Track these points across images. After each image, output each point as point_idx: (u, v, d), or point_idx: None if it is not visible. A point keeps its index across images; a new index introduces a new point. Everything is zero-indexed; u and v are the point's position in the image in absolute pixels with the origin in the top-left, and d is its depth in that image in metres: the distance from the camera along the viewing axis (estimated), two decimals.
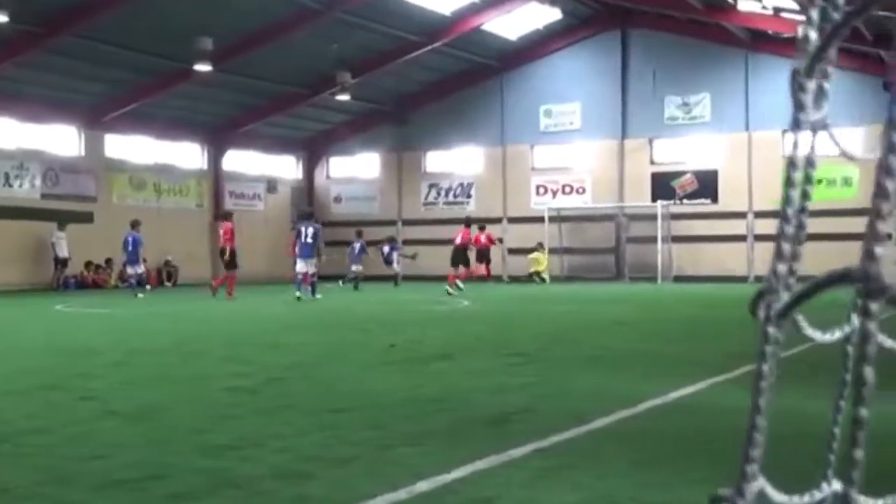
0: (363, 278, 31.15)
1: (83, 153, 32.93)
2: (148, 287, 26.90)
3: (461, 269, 28.09)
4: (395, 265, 33.61)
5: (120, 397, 7.51)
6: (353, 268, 31.36)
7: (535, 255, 35.37)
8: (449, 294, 25.25)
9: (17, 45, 26.57)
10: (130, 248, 26.15)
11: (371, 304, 21.50)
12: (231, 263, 24.27)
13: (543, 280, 34.81)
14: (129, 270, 26.73)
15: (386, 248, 33.70)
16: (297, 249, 24.02)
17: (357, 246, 31.79)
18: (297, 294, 22.99)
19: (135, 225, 26.44)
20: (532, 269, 35.02)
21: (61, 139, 32.39)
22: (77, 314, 19.44)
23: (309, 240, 23.72)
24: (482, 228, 33.67)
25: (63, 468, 4.97)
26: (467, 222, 30.12)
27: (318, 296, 23.43)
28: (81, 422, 6.40)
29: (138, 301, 23.30)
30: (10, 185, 30.54)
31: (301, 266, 23.72)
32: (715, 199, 34.97)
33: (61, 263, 30.73)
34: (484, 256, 33.50)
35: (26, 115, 30.76)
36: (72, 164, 32.50)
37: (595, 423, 6.13)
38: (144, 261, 28.95)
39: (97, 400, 7.33)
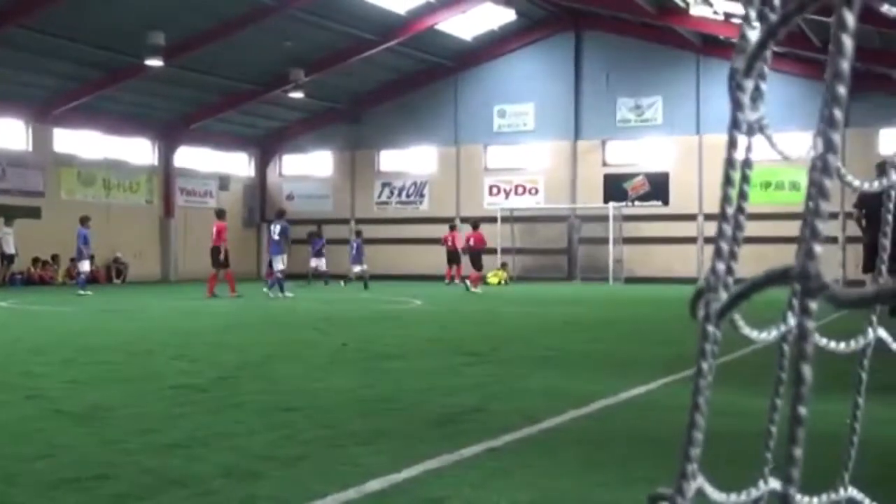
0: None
1: (31, 148, 32.45)
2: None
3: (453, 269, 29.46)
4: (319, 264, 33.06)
5: (67, 396, 7.42)
6: (356, 269, 30.73)
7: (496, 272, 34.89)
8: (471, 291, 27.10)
9: None
10: (81, 244, 25.73)
11: (322, 304, 21.41)
12: (226, 262, 24.09)
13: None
14: (80, 267, 26.26)
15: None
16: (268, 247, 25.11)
17: (355, 244, 31.37)
18: (265, 290, 23.80)
19: (84, 221, 25.87)
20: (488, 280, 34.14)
21: (8, 133, 31.88)
22: (23, 311, 19.14)
23: (276, 237, 24.07)
24: (453, 228, 33.73)
25: (7, 468, 4.90)
26: (475, 225, 30.69)
27: (289, 294, 23.57)
28: (27, 421, 6.31)
29: (85, 299, 22.99)
30: None
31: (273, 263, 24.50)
32: (666, 202, 35.29)
33: (8, 259, 30.25)
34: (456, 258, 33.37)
35: None
36: (19, 159, 32.00)
37: (547, 423, 6.16)
38: (92, 258, 28.61)
39: (43, 398, 7.23)
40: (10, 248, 30.12)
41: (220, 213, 25.61)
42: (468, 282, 28.28)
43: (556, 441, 5.75)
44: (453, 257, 32.65)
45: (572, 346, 11.87)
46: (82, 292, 24.51)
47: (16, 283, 30.02)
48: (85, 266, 26.15)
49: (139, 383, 8.23)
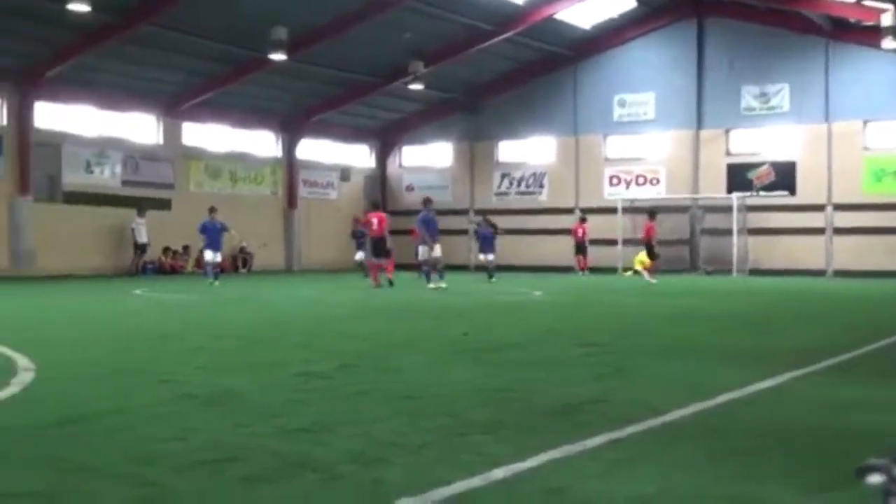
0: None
1: (161, 141, 33.53)
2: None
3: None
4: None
5: (197, 381, 7.65)
6: (481, 257, 30.71)
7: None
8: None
9: (98, 35, 27.14)
10: (210, 234, 25.82)
11: (443, 294, 21.52)
12: (388, 251, 24.32)
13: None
14: (209, 257, 26.06)
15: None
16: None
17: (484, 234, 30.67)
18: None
19: (212, 211, 26.32)
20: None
21: (141, 127, 33.01)
22: (155, 299, 19.80)
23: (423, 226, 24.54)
24: (584, 220, 35.17)
25: (144, 449, 5.08)
26: (651, 214, 29.38)
27: (442, 284, 23.29)
28: (161, 404, 6.53)
29: (213, 287, 23.58)
30: (92, 173, 31.25)
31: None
32: (793, 191, 34.31)
33: (140, 249, 31.37)
34: (583, 249, 34.77)
35: (107, 104, 31.44)
36: (151, 152, 33.12)
37: (671, 415, 6.06)
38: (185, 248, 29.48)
39: (175, 383, 7.47)
40: (142, 238, 31.22)
41: (376, 205, 26.18)
42: (644, 272, 28.29)
43: (681, 433, 5.66)
44: (581, 248, 34.36)
45: (696, 338, 11.66)
46: (214, 282, 24.64)
47: (147, 272, 31.11)
48: (218, 257, 26.18)
49: (265, 370, 8.43)
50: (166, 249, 32.77)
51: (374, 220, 24.30)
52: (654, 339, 11.46)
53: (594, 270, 34.88)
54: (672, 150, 36.51)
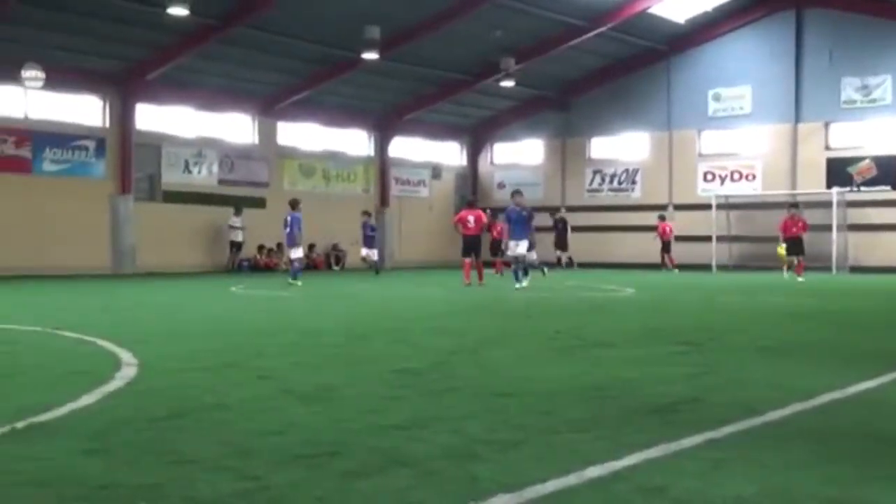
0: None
1: (257, 141, 34.15)
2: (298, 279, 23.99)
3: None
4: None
5: (294, 376, 7.78)
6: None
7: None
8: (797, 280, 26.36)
9: (196, 37, 27.77)
10: (289, 229, 24.10)
11: (534, 291, 21.45)
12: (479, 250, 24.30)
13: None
14: (291, 255, 24.81)
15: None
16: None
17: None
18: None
19: (294, 205, 24.46)
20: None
21: (237, 127, 33.66)
22: (251, 296, 20.17)
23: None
24: (663, 219, 35.41)
25: (244, 442, 5.18)
26: (795, 206, 29.40)
27: (525, 284, 22.07)
28: (259, 399, 6.65)
29: (305, 285, 23.82)
30: (190, 172, 32.01)
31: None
32: (895, 186, 33.35)
33: (236, 247, 32.01)
34: (667, 247, 35.12)
35: (205, 104, 32.15)
36: (246, 151, 33.76)
37: (769, 415, 5.95)
38: (313, 246, 29.77)
39: (273, 379, 7.60)
40: (238, 237, 31.85)
41: (471, 204, 26.12)
42: (794, 271, 27.51)
43: (781, 434, 5.55)
44: (666, 245, 34.61)
45: (794, 337, 11.43)
46: (293, 281, 23.66)
47: (243, 269, 31.72)
48: (298, 253, 24.55)
49: (360, 366, 8.52)
50: (261, 247, 33.36)
51: (471, 218, 23.98)
52: (750, 337, 11.25)
53: (687, 268, 34.42)
54: (769, 144, 35.82)
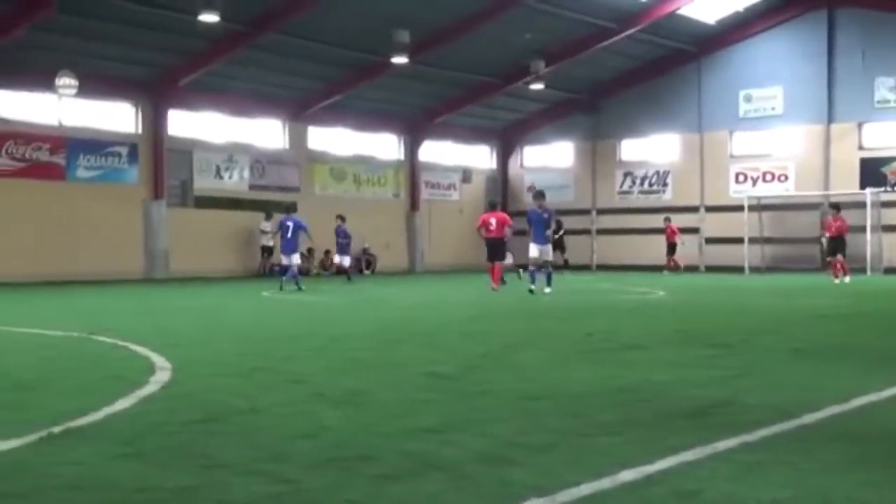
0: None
1: (287, 146, 34.31)
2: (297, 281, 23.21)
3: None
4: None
5: (325, 381, 7.79)
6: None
7: None
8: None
9: (226, 43, 27.94)
10: (290, 235, 23.46)
11: (564, 294, 21.38)
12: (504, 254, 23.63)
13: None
14: (285, 261, 24.06)
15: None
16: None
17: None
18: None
19: (289, 209, 25.21)
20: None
21: (268, 132, 33.82)
22: (282, 300, 20.24)
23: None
24: (668, 220, 35.47)
25: (277, 446, 5.20)
26: (837, 207, 28.37)
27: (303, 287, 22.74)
28: (291, 403, 6.67)
29: (344, 288, 23.75)
30: (221, 178, 32.21)
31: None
32: None
33: (268, 252, 32.12)
34: (672, 249, 35.07)
35: (235, 110, 32.35)
36: (277, 156, 33.92)
37: (804, 419, 5.89)
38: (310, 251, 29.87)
39: (305, 383, 7.62)
40: (269, 241, 31.97)
41: (493, 205, 25.08)
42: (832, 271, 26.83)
43: (815, 437, 5.50)
44: (671, 247, 34.78)
45: (828, 339, 11.33)
46: (295, 287, 22.96)
47: (274, 274, 31.81)
48: (295, 259, 23.90)
49: (391, 370, 8.53)
50: None
51: (493, 221, 23.35)
52: (783, 339, 11.15)
53: (718, 270, 34.20)
54: (801, 145, 35.55)
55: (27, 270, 26.74)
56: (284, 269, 23.89)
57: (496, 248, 23.28)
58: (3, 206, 26.82)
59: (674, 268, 34.50)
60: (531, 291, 20.56)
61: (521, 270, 27.55)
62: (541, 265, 21.41)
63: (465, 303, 19.14)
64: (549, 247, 21.79)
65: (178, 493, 4.30)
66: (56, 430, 5.59)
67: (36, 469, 4.75)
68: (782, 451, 5.06)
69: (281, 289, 22.68)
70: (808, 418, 5.93)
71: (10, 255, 26.76)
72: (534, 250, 21.34)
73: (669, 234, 35.05)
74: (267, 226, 32.02)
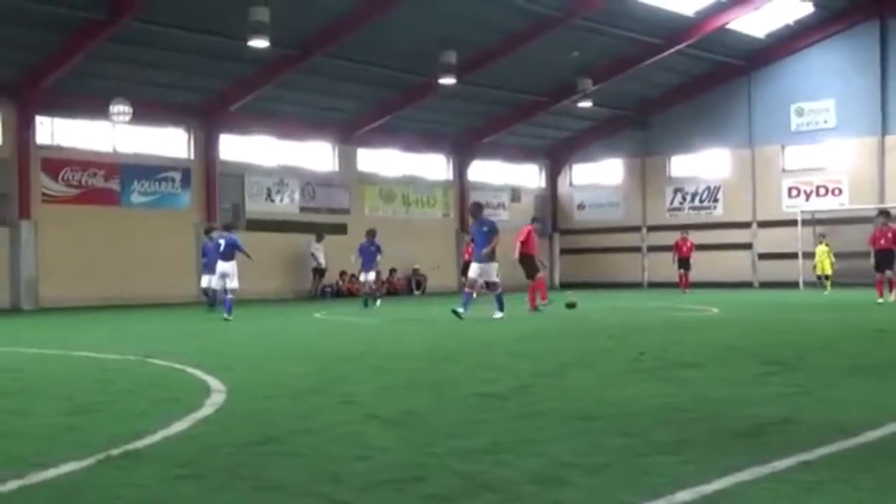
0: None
1: (337, 168, 34.55)
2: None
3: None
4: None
5: (378, 401, 7.79)
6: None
7: (820, 249, 32.41)
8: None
9: (275, 68, 28.24)
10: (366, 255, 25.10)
11: (613, 312, 21.21)
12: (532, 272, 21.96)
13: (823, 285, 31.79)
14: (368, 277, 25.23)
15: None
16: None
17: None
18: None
19: (372, 234, 25.58)
20: (818, 272, 32.26)
21: (317, 155, 34.08)
22: (335, 321, 20.32)
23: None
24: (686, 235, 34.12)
25: (331, 468, 5.20)
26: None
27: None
28: (345, 424, 6.68)
29: (383, 308, 23.79)
30: (272, 200, 32.50)
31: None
32: None
33: (319, 273, 32.31)
34: (685, 264, 33.48)
35: (286, 133, 32.68)
36: (327, 179, 34.17)
37: (864, 436, 5.77)
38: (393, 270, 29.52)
39: (357, 404, 7.63)
40: (321, 263, 32.16)
41: (534, 220, 24.60)
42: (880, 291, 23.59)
43: (878, 455, 5.38)
44: (684, 263, 33.07)
45: (887, 355, 11.12)
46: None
47: (326, 296, 31.99)
48: (372, 276, 25.26)
49: (443, 389, 8.51)
50: (343, 273, 33.62)
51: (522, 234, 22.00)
52: (841, 356, 10.97)
53: (772, 286, 33.74)
54: (855, 158, 35.07)
55: (83, 294, 27.17)
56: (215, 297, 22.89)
57: (526, 266, 21.95)
58: (61, 232, 27.30)
59: (686, 285, 32.92)
60: (456, 313, 18.27)
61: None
62: (489, 286, 19.61)
63: (514, 321, 18.99)
64: (492, 266, 19.15)
65: None
66: (114, 452, 5.65)
67: (96, 491, 4.80)
68: (843, 469, 4.96)
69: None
70: (869, 436, 5.81)
71: (67, 279, 27.23)
72: (473, 270, 19.39)
73: (685, 249, 33.37)
74: (318, 247, 32.20)
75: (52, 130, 27.97)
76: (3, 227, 26.75)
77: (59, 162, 27.75)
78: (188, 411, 7.23)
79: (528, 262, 21.99)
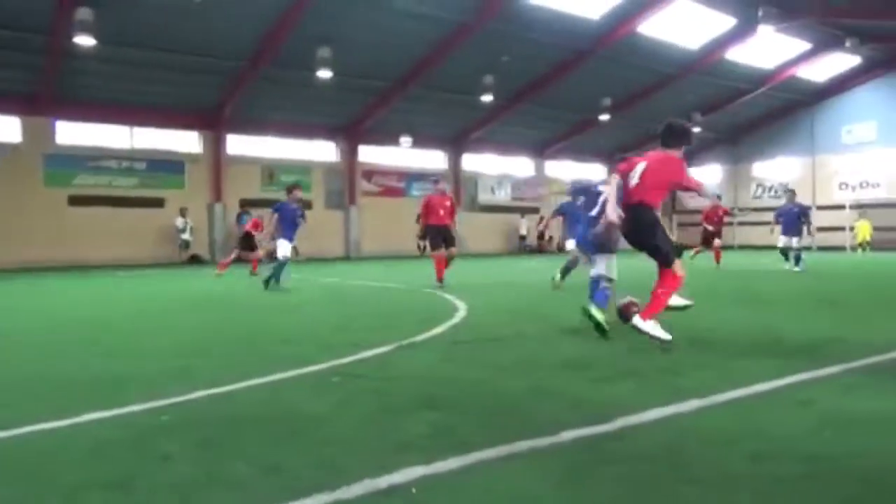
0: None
1: (534, 173, 34.19)
2: None
3: None
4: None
5: (563, 316, 7.42)
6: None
7: (859, 223, 29.06)
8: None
9: (496, 111, 28.16)
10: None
11: (724, 266, 19.58)
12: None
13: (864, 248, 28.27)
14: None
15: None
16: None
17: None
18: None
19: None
20: (859, 240, 28.78)
21: (522, 165, 33.88)
22: (536, 267, 19.60)
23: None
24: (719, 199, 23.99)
25: (531, 357, 5.13)
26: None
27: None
28: (544, 331, 6.50)
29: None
30: (494, 193, 32.63)
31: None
32: None
33: (520, 239, 32.18)
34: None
35: (502, 152, 32.63)
36: (528, 180, 33.90)
37: (891, 354, 5.24)
38: None
39: (553, 317, 7.39)
40: (522, 231, 31.96)
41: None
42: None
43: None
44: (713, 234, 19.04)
45: None
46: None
47: (530, 250, 31.73)
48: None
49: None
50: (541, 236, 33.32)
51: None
52: (874, 297, 9.86)
53: (825, 249, 30.71)
54: (891, 162, 31.14)
55: (383, 249, 28.31)
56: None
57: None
58: (372, 213, 28.47)
59: (696, 253, 19.64)
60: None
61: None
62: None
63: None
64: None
65: (473, 383, 4.44)
66: (404, 342, 5.90)
67: (394, 364, 5.07)
68: (874, 377, 4.54)
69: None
70: (894, 353, 5.25)
71: (375, 241, 28.37)
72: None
73: (717, 218, 18.84)
74: (523, 222, 32.04)
75: (367, 153, 29.04)
76: (341, 209, 28.20)
77: (370, 172, 28.92)
78: (445, 320, 7.26)
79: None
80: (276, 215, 11.77)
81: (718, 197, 21.63)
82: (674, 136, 5.68)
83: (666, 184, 5.62)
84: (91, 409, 3.76)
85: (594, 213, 6.41)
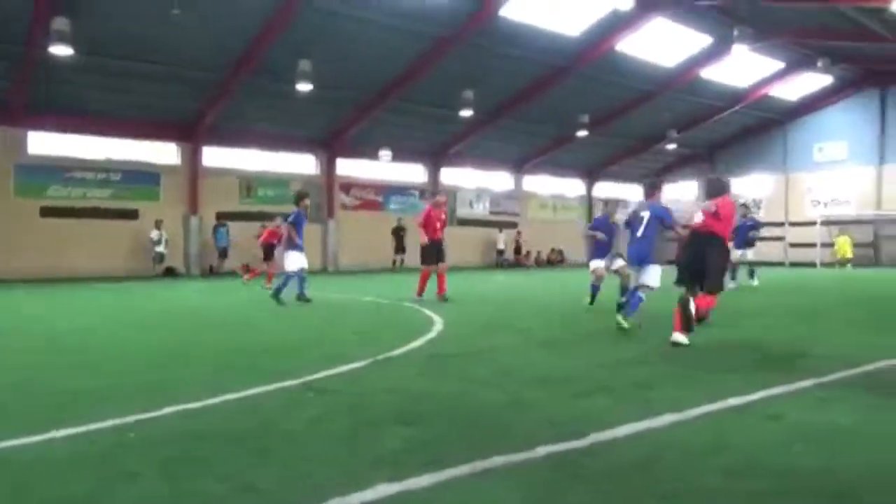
0: None
1: (513, 187, 34.31)
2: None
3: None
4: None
5: (537, 330, 7.54)
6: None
7: (840, 239, 29.60)
8: None
9: (476, 126, 28.22)
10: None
11: None
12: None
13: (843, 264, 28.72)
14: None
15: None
16: None
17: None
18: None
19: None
20: (839, 256, 29.31)
21: (500, 179, 33.99)
22: (509, 282, 19.83)
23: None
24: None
25: (504, 370, 5.11)
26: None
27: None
28: (515, 345, 6.48)
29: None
30: (472, 207, 32.67)
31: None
32: None
33: (499, 253, 32.23)
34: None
35: (480, 166, 32.67)
36: (506, 194, 34.01)
37: (861, 368, 5.32)
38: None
39: (526, 331, 7.42)
40: (500, 246, 32.01)
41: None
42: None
43: (869, 380, 4.93)
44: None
45: (877, 313, 10.02)
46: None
47: (504, 265, 31.83)
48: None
49: (578, 326, 8.19)
50: (518, 249, 33.44)
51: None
52: (846, 312, 10.02)
53: (797, 265, 31.21)
54: (859, 180, 31.82)
55: (362, 261, 28.11)
56: None
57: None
58: (349, 226, 28.32)
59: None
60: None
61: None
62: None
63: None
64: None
65: (448, 398, 4.43)
66: (380, 357, 5.86)
67: (369, 378, 5.03)
68: (845, 389, 4.61)
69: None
70: (864, 367, 5.35)
71: (354, 253, 28.25)
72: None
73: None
74: (500, 237, 32.11)
75: (345, 166, 28.83)
76: (319, 223, 27.99)
77: (348, 185, 28.77)
78: (422, 334, 7.27)
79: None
80: (293, 225, 11.45)
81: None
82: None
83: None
84: (64, 424, 3.69)
85: (639, 233, 8.02)
